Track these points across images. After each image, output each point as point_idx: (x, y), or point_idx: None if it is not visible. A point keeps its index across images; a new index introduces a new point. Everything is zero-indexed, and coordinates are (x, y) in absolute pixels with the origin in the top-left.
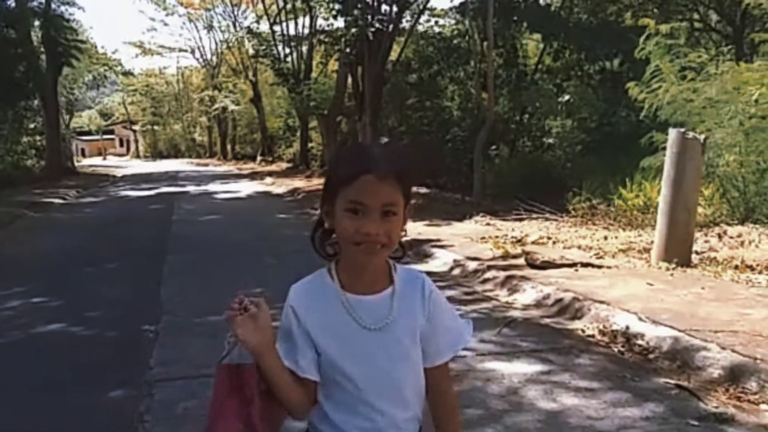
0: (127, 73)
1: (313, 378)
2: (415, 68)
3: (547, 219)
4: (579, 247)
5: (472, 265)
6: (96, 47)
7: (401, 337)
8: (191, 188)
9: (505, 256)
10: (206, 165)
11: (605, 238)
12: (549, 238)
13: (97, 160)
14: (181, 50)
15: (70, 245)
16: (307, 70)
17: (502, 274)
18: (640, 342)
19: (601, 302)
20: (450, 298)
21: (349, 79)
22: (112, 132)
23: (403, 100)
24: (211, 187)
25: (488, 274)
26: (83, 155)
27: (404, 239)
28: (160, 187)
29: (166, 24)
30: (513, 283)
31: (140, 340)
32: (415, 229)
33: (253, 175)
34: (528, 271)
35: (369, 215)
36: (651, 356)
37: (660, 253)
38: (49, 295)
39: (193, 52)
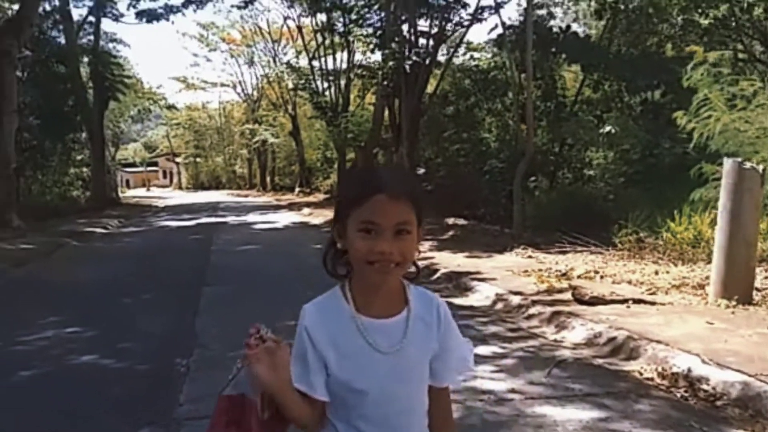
0: (171, 107)
1: (324, 399)
2: (452, 100)
3: (591, 252)
4: (629, 282)
5: (515, 300)
6: (141, 82)
7: (413, 360)
8: (231, 219)
9: (550, 290)
10: (246, 196)
11: (656, 272)
12: (596, 273)
13: (141, 191)
14: (222, 85)
15: (108, 275)
16: (345, 103)
17: (549, 309)
18: (704, 387)
19: (658, 342)
20: (494, 335)
21: (386, 112)
22: (156, 164)
23: (440, 132)
24: (250, 217)
25: (533, 310)
26: (128, 186)
27: (440, 267)
28: (200, 217)
29: (209, 60)
30: (560, 320)
31: (172, 374)
32: (454, 261)
33: (291, 206)
34: (576, 307)
35: (382, 234)
36: (718, 403)
37: (718, 289)
38: (84, 325)
39: (234, 86)
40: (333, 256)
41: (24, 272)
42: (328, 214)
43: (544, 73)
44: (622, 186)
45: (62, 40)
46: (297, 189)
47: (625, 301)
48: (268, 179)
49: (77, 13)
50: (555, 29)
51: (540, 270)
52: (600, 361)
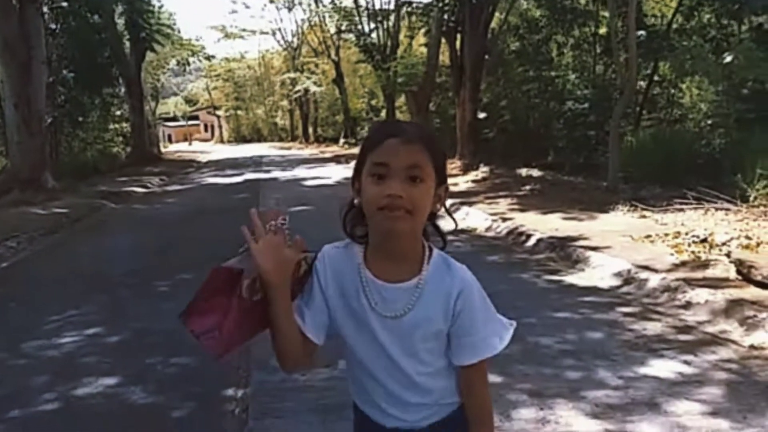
0: (209, 57)
1: (314, 340)
2: (521, 35)
3: (719, 209)
4: None
5: (653, 279)
6: (179, 32)
7: (413, 330)
8: (276, 174)
9: (697, 264)
10: (289, 149)
11: None
12: (748, 238)
13: (183, 146)
14: (262, 33)
15: (144, 246)
16: (394, 45)
17: (719, 296)
18: None
19: None
20: (659, 340)
21: (442, 52)
22: (197, 118)
23: (506, 72)
24: (297, 172)
25: (691, 295)
26: (170, 141)
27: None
28: (244, 173)
29: (247, 6)
30: (745, 314)
31: (221, 421)
32: (548, 223)
33: (338, 159)
34: (751, 291)
35: (393, 177)
36: None
37: None
38: (108, 324)
39: (274, 34)
40: (352, 218)
41: (51, 242)
42: None
43: None
44: (733, 127)
45: None
46: (342, 140)
47: None
48: (310, 130)
49: None
50: None
51: (666, 234)
52: None
